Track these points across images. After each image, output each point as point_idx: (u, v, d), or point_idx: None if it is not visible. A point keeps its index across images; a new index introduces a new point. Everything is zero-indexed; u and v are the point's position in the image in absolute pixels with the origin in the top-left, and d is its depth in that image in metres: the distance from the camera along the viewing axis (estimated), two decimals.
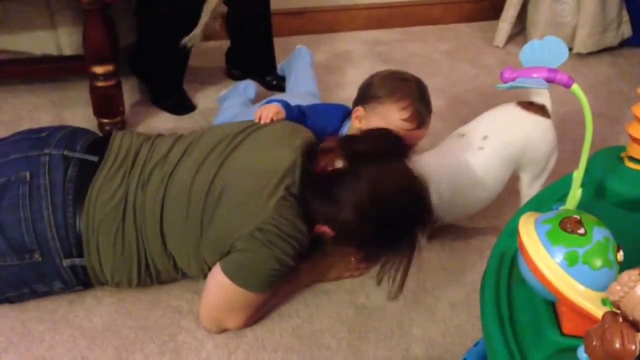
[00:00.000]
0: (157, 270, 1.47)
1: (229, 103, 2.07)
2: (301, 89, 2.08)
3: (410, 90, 1.60)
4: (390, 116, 1.57)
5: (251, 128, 1.50)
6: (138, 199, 1.42)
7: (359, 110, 1.63)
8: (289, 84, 2.18)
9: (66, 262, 1.42)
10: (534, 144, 1.63)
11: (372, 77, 1.67)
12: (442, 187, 1.56)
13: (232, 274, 1.38)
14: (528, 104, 1.66)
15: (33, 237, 1.40)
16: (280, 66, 2.34)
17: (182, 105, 2.24)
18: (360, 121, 1.62)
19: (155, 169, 1.45)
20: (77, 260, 1.43)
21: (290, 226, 1.36)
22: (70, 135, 1.53)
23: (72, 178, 1.44)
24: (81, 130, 1.61)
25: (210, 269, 1.43)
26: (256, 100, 2.09)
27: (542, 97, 1.66)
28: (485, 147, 1.60)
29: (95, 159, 1.49)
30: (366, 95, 1.64)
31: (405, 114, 1.57)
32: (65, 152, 1.47)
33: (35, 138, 1.51)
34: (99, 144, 1.53)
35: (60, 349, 1.41)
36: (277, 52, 2.38)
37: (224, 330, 1.46)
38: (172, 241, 1.42)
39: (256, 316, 1.48)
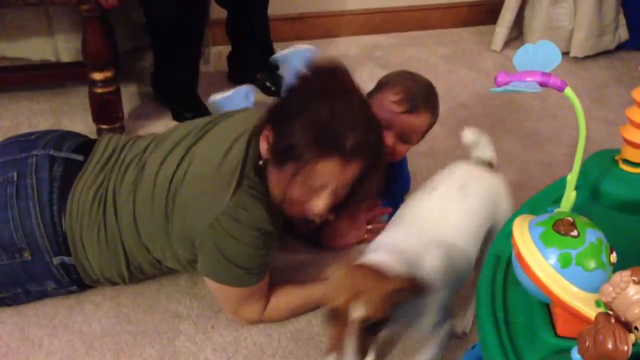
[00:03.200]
0: (139, 263, 1.48)
1: (230, 109, 2.07)
2: None
3: (412, 82, 1.62)
4: (384, 102, 1.58)
5: (219, 118, 1.50)
6: (116, 194, 1.44)
7: None
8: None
9: (56, 260, 1.43)
10: (502, 198, 1.38)
11: (388, 75, 1.68)
12: (433, 259, 1.21)
13: (212, 275, 1.40)
14: (479, 162, 1.41)
15: (22, 236, 1.41)
16: (276, 56, 2.34)
17: (201, 113, 2.23)
18: None
19: (131, 164, 1.46)
20: (66, 259, 1.44)
21: (248, 215, 1.34)
22: (59, 137, 1.55)
23: (57, 177, 1.45)
24: (71, 133, 1.63)
25: (187, 260, 1.44)
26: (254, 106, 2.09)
27: (487, 152, 1.42)
28: (466, 194, 1.33)
29: (80, 158, 1.50)
30: (374, 88, 1.65)
31: (397, 97, 1.57)
32: (51, 152, 1.48)
33: (25, 141, 1.53)
34: (86, 145, 1.55)
35: (59, 355, 1.41)
36: None
37: (254, 322, 1.49)
38: (145, 233, 1.43)
39: (282, 311, 1.50)
